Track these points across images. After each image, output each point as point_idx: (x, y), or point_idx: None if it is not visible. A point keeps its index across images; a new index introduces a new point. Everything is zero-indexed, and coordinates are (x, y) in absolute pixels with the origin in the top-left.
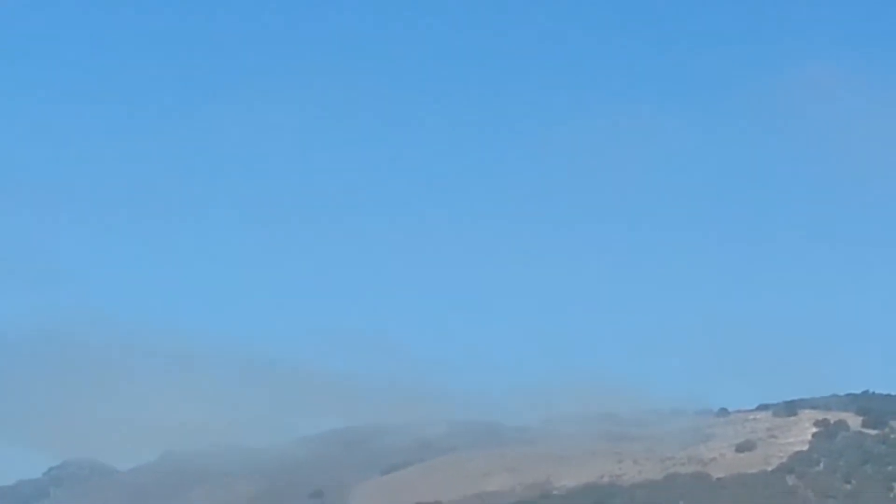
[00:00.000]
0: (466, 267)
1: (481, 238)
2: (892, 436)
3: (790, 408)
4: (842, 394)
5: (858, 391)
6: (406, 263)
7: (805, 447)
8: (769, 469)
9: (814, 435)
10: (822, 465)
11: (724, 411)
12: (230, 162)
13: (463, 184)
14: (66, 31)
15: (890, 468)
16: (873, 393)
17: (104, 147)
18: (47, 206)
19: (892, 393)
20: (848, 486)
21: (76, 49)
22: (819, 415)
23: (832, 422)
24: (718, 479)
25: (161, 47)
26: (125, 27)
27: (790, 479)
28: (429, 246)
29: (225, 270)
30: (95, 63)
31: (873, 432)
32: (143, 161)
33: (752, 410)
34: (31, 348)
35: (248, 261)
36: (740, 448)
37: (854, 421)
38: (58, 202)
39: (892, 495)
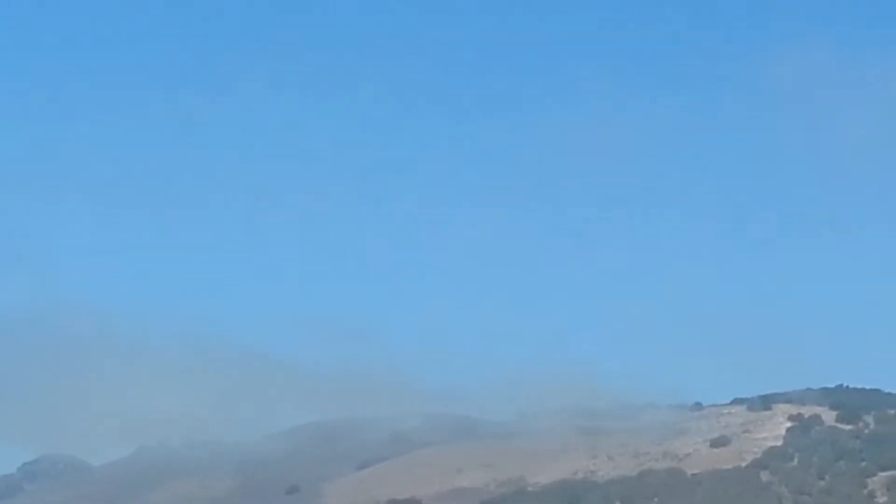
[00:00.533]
0: (446, 259)
1: (459, 230)
2: (866, 431)
3: (764, 402)
4: (816, 388)
5: (832, 385)
6: (384, 254)
7: (779, 442)
8: (743, 465)
9: (788, 430)
10: (796, 460)
11: (698, 405)
12: (210, 152)
13: (443, 175)
14: (63, 23)
15: (864, 464)
16: (847, 387)
17: (93, 139)
18: (23, 196)
19: (866, 387)
20: (822, 482)
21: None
22: (793, 409)
23: (806, 416)
24: (693, 474)
25: (157, 39)
26: (123, 18)
27: (764, 475)
28: (408, 237)
29: (202, 262)
30: (89, 54)
31: (847, 427)
32: (127, 154)
33: (726, 405)
34: (6, 340)
35: (225, 252)
36: (714, 443)
37: (828, 416)
38: (36, 193)
39: (865, 491)
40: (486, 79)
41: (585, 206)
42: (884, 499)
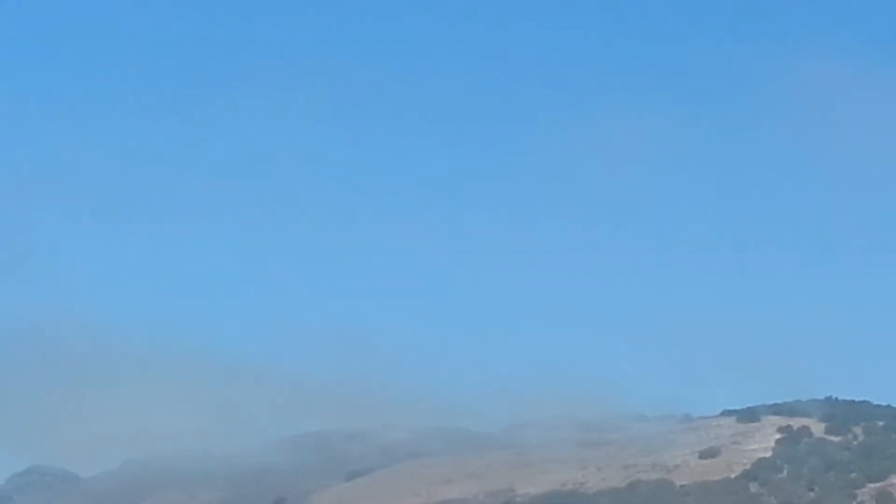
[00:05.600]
0: (440, 269)
1: (457, 240)
2: (856, 442)
3: (753, 414)
4: (805, 399)
5: (822, 397)
6: (382, 262)
7: (768, 454)
8: (732, 476)
9: (777, 441)
10: (785, 471)
11: (687, 417)
12: (206, 165)
13: (437, 183)
14: (66, 30)
15: (853, 475)
16: (836, 399)
17: (86, 147)
18: (20, 206)
19: (856, 399)
20: (811, 494)
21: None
22: (782, 421)
23: (795, 428)
24: (682, 486)
25: (158, 50)
26: (127, 26)
27: (753, 487)
28: (403, 246)
29: (196, 272)
30: (85, 61)
31: (836, 439)
32: (120, 162)
33: (715, 416)
34: (1, 348)
35: (219, 262)
36: (704, 455)
37: (817, 427)
38: (34, 200)
39: (855, 503)
40: (489, 85)
41: (578, 216)
42: None
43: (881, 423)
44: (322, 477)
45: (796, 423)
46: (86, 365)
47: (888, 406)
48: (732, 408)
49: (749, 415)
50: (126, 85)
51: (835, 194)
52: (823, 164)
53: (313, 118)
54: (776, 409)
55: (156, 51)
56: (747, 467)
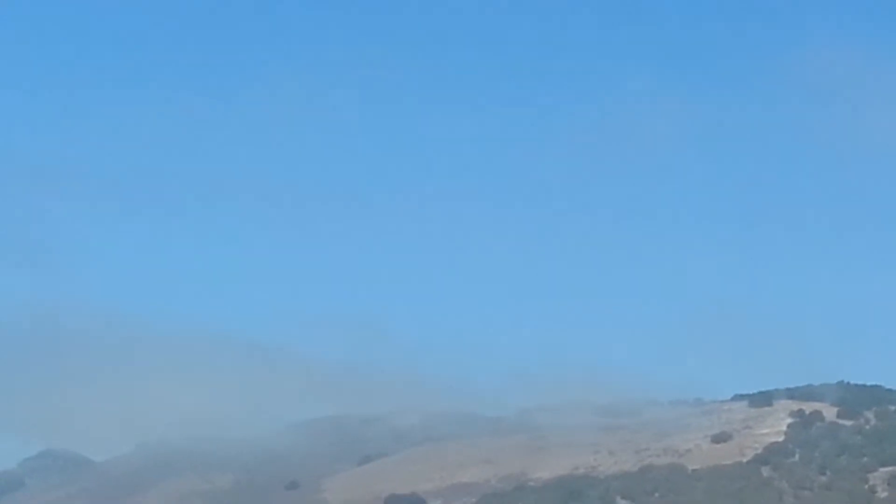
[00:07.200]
0: (453, 256)
1: (467, 227)
2: (867, 427)
3: (766, 398)
4: (817, 384)
5: (834, 381)
6: (398, 249)
7: (780, 438)
8: (744, 460)
9: (789, 426)
10: (797, 456)
11: (699, 401)
12: (220, 152)
13: (455, 171)
14: (74, 17)
15: (865, 459)
16: (848, 383)
17: (101, 137)
18: (41, 191)
19: (868, 383)
20: (823, 478)
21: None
22: (794, 405)
23: (807, 412)
24: (694, 470)
25: (170, 44)
26: (139, 19)
27: (765, 471)
28: (421, 232)
29: (211, 258)
30: (100, 49)
31: (849, 423)
32: (136, 151)
33: (727, 401)
34: (16, 334)
35: (235, 248)
36: (716, 439)
37: (829, 411)
38: (50, 189)
39: (866, 486)
40: (500, 80)
41: (589, 205)
42: (885, 494)
43: (893, 408)
44: (335, 461)
45: (808, 407)
46: (99, 350)
47: None
48: (744, 392)
49: (761, 399)
50: (140, 75)
51: (847, 180)
52: (838, 149)
53: (328, 107)
54: (788, 394)
55: (169, 44)
56: (759, 451)
